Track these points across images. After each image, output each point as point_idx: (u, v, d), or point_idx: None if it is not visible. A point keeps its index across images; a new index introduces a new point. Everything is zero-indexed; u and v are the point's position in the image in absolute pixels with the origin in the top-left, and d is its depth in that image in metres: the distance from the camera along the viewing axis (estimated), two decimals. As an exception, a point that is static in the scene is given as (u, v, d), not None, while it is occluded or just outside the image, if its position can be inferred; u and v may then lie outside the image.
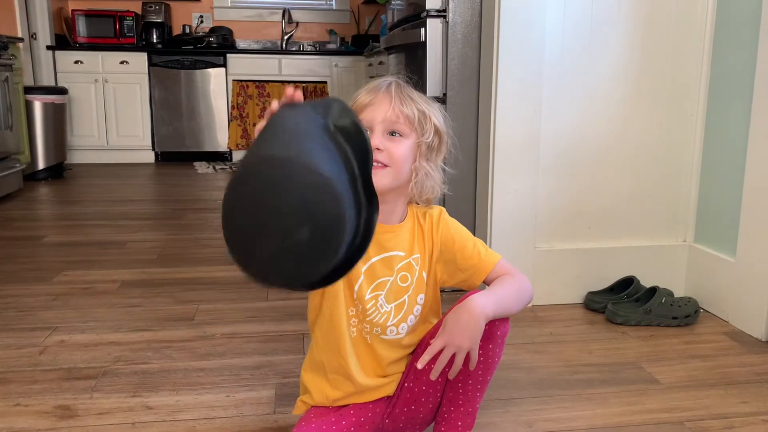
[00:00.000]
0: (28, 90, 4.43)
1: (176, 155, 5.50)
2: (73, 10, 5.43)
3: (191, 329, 1.80)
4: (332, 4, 6.03)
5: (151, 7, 5.51)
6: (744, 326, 1.82)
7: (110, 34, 5.41)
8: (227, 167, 5.21)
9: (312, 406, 1.16)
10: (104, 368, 1.56)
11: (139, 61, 5.31)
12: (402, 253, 1.10)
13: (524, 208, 1.93)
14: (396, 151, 1.04)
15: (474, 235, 1.16)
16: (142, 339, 1.73)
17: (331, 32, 5.92)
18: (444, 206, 1.18)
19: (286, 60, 5.51)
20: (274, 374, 1.53)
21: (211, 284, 2.21)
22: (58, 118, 4.65)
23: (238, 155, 5.62)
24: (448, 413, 1.13)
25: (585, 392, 1.46)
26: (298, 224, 0.79)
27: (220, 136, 5.55)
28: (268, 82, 5.45)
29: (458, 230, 1.14)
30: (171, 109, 5.42)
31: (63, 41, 5.41)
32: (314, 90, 5.61)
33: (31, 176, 4.40)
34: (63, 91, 4.76)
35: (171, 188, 4.32)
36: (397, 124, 1.04)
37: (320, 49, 5.72)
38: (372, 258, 1.08)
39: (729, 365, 1.60)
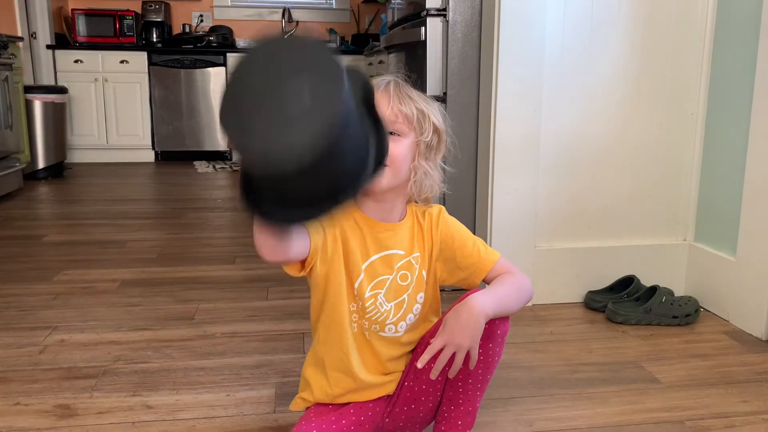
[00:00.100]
0: (28, 89, 4.43)
1: (176, 154, 5.50)
2: (72, 9, 5.43)
3: (191, 328, 1.80)
4: (332, 3, 6.03)
5: (151, 6, 5.51)
6: (744, 325, 1.82)
7: (110, 33, 5.41)
8: (227, 166, 5.21)
9: (312, 405, 1.16)
10: (104, 367, 1.56)
11: (139, 60, 5.31)
12: (402, 252, 1.10)
13: (524, 207, 1.93)
14: (395, 151, 1.03)
15: (474, 234, 1.16)
16: (142, 338, 1.73)
17: (331, 31, 5.92)
18: (444, 205, 1.18)
19: (286, 59, 5.50)
20: (274, 373, 1.53)
21: (211, 283, 2.21)
22: (58, 118, 4.65)
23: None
24: (449, 412, 1.13)
25: (585, 391, 1.46)
26: (299, 85, 0.73)
27: (220, 135, 5.54)
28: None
29: (458, 228, 1.14)
30: (171, 109, 5.42)
31: (63, 40, 5.40)
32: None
33: (31, 175, 4.40)
34: (63, 91, 4.76)
35: (171, 187, 4.32)
36: (396, 123, 1.04)
37: (320, 49, 5.71)
38: (372, 256, 1.08)
39: (729, 364, 1.60)
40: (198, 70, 5.42)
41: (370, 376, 1.12)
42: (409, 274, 1.11)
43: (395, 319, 1.11)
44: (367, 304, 1.08)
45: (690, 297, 1.92)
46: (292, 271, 1.03)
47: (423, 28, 2.03)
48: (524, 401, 1.41)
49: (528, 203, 1.93)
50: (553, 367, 1.58)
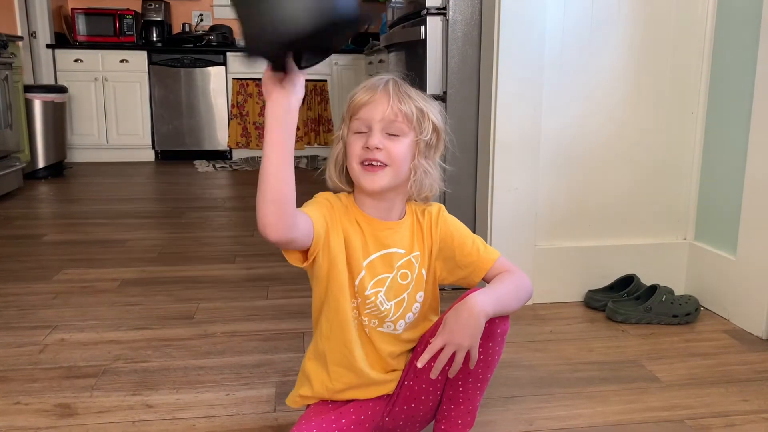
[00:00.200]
0: (28, 88, 4.43)
1: (176, 154, 5.50)
2: (72, 9, 5.43)
3: (191, 328, 1.80)
4: (332, 3, 6.01)
5: (151, 5, 5.51)
6: (744, 324, 1.82)
7: (110, 32, 5.41)
8: (227, 166, 5.20)
9: (311, 404, 1.16)
10: (104, 367, 1.55)
11: (138, 59, 5.31)
12: (402, 251, 1.10)
13: (524, 206, 1.93)
14: (395, 150, 1.03)
15: (474, 233, 1.15)
16: (142, 337, 1.73)
17: (331, 30, 5.91)
18: (444, 204, 1.18)
19: (286, 58, 5.50)
20: (274, 372, 1.53)
21: (211, 283, 2.21)
22: (58, 117, 4.65)
23: (238, 154, 5.62)
24: (449, 411, 1.13)
25: (585, 390, 1.46)
26: None
27: (220, 134, 5.55)
28: (268, 80, 5.44)
29: (457, 227, 1.14)
30: (171, 108, 5.42)
31: (63, 40, 5.40)
32: (314, 88, 5.60)
33: (31, 175, 4.40)
34: (63, 90, 4.76)
35: (171, 187, 4.32)
36: (396, 122, 1.04)
37: (320, 48, 5.71)
38: (372, 254, 1.08)
39: (729, 363, 1.60)
40: (198, 70, 5.42)
41: (373, 372, 1.12)
42: (409, 272, 1.11)
43: (395, 317, 1.11)
44: (367, 302, 1.08)
45: (690, 296, 1.92)
46: (295, 261, 1.03)
47: (423, 27, 2.03)
48: (524, 400, 1.41)
49: (528, 202, 1.93)
50: (553, 366, 1.58)
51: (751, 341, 1.74)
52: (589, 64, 1.92)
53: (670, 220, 2.05)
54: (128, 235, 2.87)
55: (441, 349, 0.97)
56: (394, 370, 1.15)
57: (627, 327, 1.83)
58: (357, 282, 1.07)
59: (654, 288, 1.90)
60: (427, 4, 2.00)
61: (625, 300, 1.92)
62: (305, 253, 1.03)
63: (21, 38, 4.58)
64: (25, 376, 1.51)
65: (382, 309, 1.09)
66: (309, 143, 5.68)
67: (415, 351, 1.15)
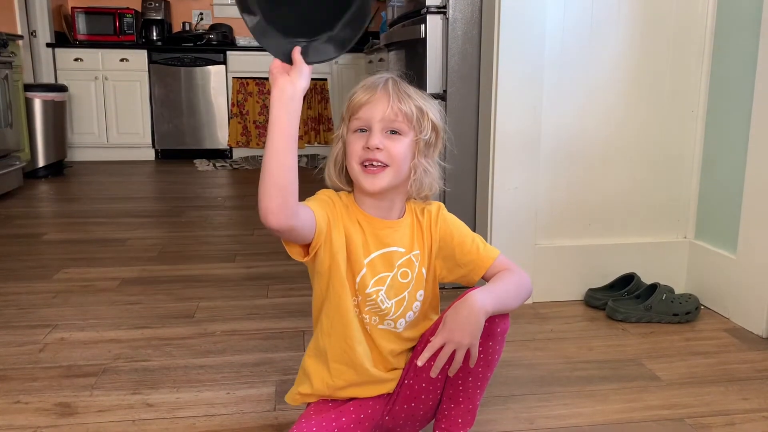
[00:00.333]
0: (28, 87, 4.43)
1: (176, 153, 5.50)
2: (72, 8, 5.42)
3: (191, 326, 1.80)
4: (332, 1, 6.01)
5: (151, 4, 5.50)
6: (745, 323, 1.82)
7: (110, 31, 5.41)
8: (227, 164, 5.20)
9: (311, 402, 1.15)
10: (104, 365, 1.55)
11: (139, 58, 5.31)
12: (402, 249, 1.10)
13: (524, 204, 1.93)
14: (395, 150, 1.03)
15: (474, 231, 1.15)
16: (143, 336, 1.73)
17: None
18: (444, 203, 1.18)
19: (286, 57, 5.50)
20: (275, 371, 1.53)
21: (211, 281, 2.21)
22: (58, 116, 4.64)
23: (238, 153, 5.62)
24: (449, 410, 1.13)
25: (585, 389, 1.46)
26: None
27: (221, 133, 5.55)
28: (268, 79, 5.42)
29: (457, 226, 1.14)
30: (171, 107, 5.42)
31: (63, 39, 5.40)
32: (314, 87, 5.60)
33: (32, 174, 4.40)
34: (63, 89, 4.76)
35: (171, 186, 4.32)
36: (396, 122, 1.04)
37: (320, 47, 5.70)
38: (372, 253, 1.08)
39: (730, 362, 1.60)
40: (198, 68, 5.41)
41: (373, 369, 1.12)
42: (409, 271, 1.11)
43: (395, 316, 1.11)
44: (368, 300, 1.08)
45: (690, 294, 1.92)
46: (296, 255, 1.03)
47: (423, 26, 2.03)
48: (524, 399, 1.41)
49: (528, 201, 1.93)
50: (553, 365, 1.58)
51: (752, 340, 1.74)
52: (589, 63, 1.92)
53: (670, 218, 2.05)
54: (128, 234, 2.87)
55: (441, 348, 0.97)
56: (394, 369, 1.15)
57: (627, 326, 1.83)
58: (358, 279, 1.07)
59: (654, 286, 1.90)
60: (427, 3, 2.00)
61: (626, 299, 1.92)
62: (306, 247, 1.03)
63: (21, 37, 4.58)
64: (25, 375, 1.51)
65: (383, 307, 1.09)
66: (309, 142, 5.68)
67: (416, 350, 1.15)
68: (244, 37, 5.82)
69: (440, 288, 1.18)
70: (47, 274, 2.27)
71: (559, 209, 1.99)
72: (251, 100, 5.50)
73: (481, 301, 0.99)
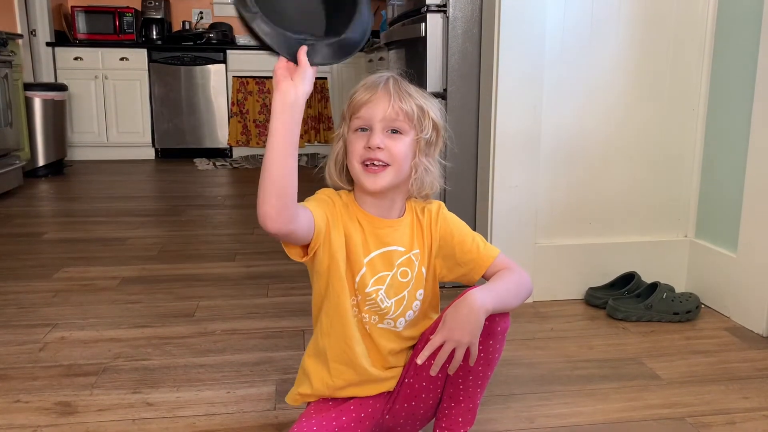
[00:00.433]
0: (28, 86, 4.43)
1: (176, 152, 5.49)
2: (72, 7, 5.42)
3: (191, 325, 1.80)
4: (332, 0, 6.00)
5: (151, 3, 5.50)
6: (745, 322, 1.81)
7: (110, 30, 5.41)
8: (227, 163, 5.20)
9: (311, 401, 1.15)
10: (104, 365, 1.55)
11: (138, 57, 5.31)
12: (402, 249, 1.10)
13: (525, 203, 1.93)
14: (396, 149, 1.03)
15: (474, 230, 1.15)
16: (143, 335, 1.73)
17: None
18: (444, 202, 1.18)
19: (287, 56, 5.49)
20: (275, 370, 1.53)
21: (211, 281, 2.21)
22: (58, 115, 4.64)
23: (238, 152, 5.62)
24: (449, 409, 1.13)
25: (586, 388, 1.46)
26: None
27: (221, 132, 5.54)
28: (268, 78, 5.44)
29: (457, 225, 1.14)
30: (171, 106, 5.42)
31: (62, 37, 5.40)
32: (314, 86, 5.58)
33: (31, 173, 4.40)
34: (63, 88, 4.75)
35: (171, 185, 4.32)
36: (397, 121, 1.04)
37: (320, 45, 5.70)
38: (372, 252, 1.08)
39: (730, 361, 1.60)
40: (198, 67, 5.41)
41: (373, 369, 1.12)
42: (409, 270, 1.11)
43: (395, 315, 1.11)
44: (368, 299, 1.08)
45: (691, 293, 1.92)
46: (295, 255, 1.03)
47: (423, 25, 2.03)
48: (525, 398, 1.41)
49: (528, 200, 1.93)
50: (553, 364, 1.58)
51: (752, 338, 1.74)
52: (590, 61, 1.92)
53: (670, 217, 2.05)
54: (128, 233, 2.87)
55: (441, 346, 0.97)
56: (392, 367, 1.15)
57: (627, 324, 1.83)
58: (357, 279, 1.07)
59: (654, 285, 1.89)
60: (428, 2, 2.00)
61: (626, 297, 1.91)
62: (305, 247, 1.03)
63: (21, 36, 4.57)
64: (25, 374, 1.51)
65: (383, 306, 1.09)
66: (309, 141, 5.68)
67: (416, 348, 1.15)
68: (244, 36, 5.82)
69: (440, 287, 1.17)
70: (47, 273, 2.27)
71: (559, 208, 1.99)
72: (251, 99, 5.49)
73: (481, 299, 0.99)
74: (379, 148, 1.02)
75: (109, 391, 1.43)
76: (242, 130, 5.51)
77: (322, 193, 1.09)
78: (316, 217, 1.00)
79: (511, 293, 1.06)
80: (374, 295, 1.08)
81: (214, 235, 2.91)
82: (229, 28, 5.67)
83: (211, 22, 5.80)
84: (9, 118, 3.93)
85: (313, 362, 1.14)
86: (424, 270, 1.12)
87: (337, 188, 1.11)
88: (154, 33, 5.52)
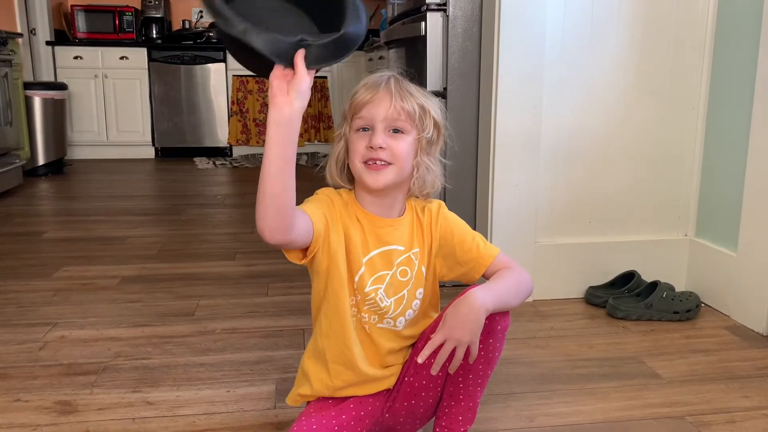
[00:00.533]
0: (28, 85, 4.43)
1: (176, 151, 5.49)
2: (72, 6, 5.42)
3: (191, 324, 1.80)
4: None
5: (151, 2, 5.50)
6: (745, 321, 1.81)
7: (110, 29, 5.40)
8: (227, 163, 5.20)
9: (310, 401, 1.15)
10: (104, 364, 1.55)
11: (138, 56, 5.30)
12: (401, 248, 1.10)
13: (525, 202, 1.93)
14: (398, 149, 1.04)
15: (474, 229, 1.15)
16: (143, 334, 1.73)
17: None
18: (444, 201, 1.18)
19: (286, 55, 5.49)
20: (275, 369, 1.53)
21: (211, 279, 2.21)
22: (57, 114, 4.64)
23: (238, 151, 5.61)
24: (449, 408, 1.13)
25: (586, 387, 1.46)
26: None
27: (221, 131, 5.54)
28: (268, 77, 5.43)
29: (457, 224, 1.14)
30: (171, 105, 5.42)
31: (62, 36, 5.40)
32: (314, 85, 5.57)
33: (31, 172, 4.40)
34: (62, 87, 4.75)
35: (171, 184, 4.32)
36: (398, 121, 1.04)
37: (320, 45, 5.70)
38: (372, 251, 1.08)
39: (730, 359, 1.60)
40: (198, 66, 5.41)
41: (371, 370, 1.12)
42: (408, 269, 1.11)
43: (395, 314, 1.11)
44: (367, 299, 1.08)
45: (691, 292, 1.92)
46: (294, 258, 1.02)
47: (423, 23, 2.03)
48: (525, 397, 1.41)
49: (528, 199, 1.93)
50: (553, 363, 1.58)
51: (752, 337, 1.74)
52: (590, 61, 1.92)
53: (670, 216, 2.05)
54: (128, 232, 2.87)
55: (441, 345, 0.97)
56: (391, 366, 1.14)
57: (628, 323, 1.83)
58: (356, 279, 1.07)
59: (655, 284, 1.89)
60: (428, 0, 2.00)
61: (626, 296, 1.91)
62: (305, 250, 1.03)
63: (21, 35, 4.57)
64: (25, 373, 1.51)
65: (382, 306, 1.09)
66: (309, 140, 5.68)
67: (416, 347, 1.15)
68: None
69: (440, 286, 1.17)
70: (47, 272, 2.27)
71: (559, 207, 1.99)
72: (251, 98, 5.49)
73: (482, 298, 0.99)
74: (381, 147, 1.02)
75: (109, 390, 1.43)
76: (242, 129, 5.51)
77: (322, 193, 1.09)
78: (314, 220, 1.00)
79: (511, 292, 1.06)
80: (373, 295, 1.08)
81: (214, 234, 2.91)
82: (229, 27, 5.66)
83: (210, 21, 5.79)
84: (9, 117, 3.93)
85: (313, 363, 1.14)
86: (423, 269, 1.12)
87: (337, 187, 1.11)
88: (154, 32, 5.52)
